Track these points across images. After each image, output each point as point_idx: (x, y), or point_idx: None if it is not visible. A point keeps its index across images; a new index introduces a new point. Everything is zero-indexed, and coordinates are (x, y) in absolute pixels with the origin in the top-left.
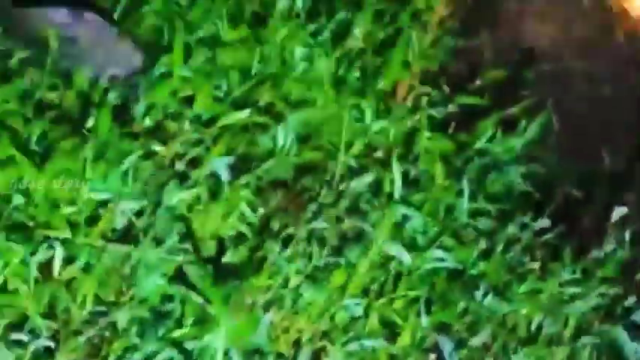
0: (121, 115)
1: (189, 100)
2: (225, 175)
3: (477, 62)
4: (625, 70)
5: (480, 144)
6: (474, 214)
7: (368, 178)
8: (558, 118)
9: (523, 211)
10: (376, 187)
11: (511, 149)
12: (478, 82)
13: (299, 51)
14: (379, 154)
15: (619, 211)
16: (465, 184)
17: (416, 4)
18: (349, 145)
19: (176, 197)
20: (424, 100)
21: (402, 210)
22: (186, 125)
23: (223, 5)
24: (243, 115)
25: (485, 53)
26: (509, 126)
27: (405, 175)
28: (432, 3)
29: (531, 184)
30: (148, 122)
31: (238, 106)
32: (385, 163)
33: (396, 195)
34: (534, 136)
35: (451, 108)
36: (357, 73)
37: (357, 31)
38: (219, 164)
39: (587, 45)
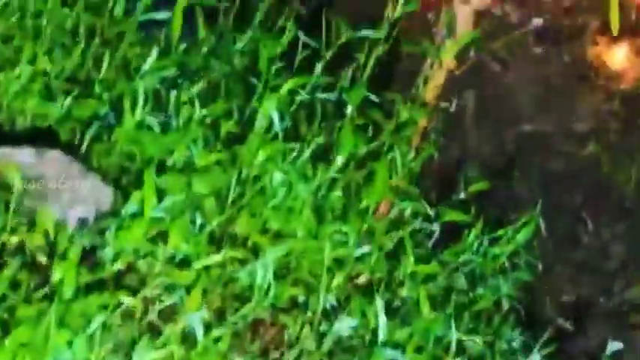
0: (90, 259)
1: (162, 235)
2: (200, 332)
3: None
4: (605, 126)
5: (465, 257)
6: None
7: (351, 322)
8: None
9: (512, 327)
10: (360, 320)
11: (497, 258)
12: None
13: (277, 176)
14: (363, 280)
15: (613, 346)
16: (452, 314)
17: (398, 117)
18: (331, 277)
19: (147, 357)
20: (407, 215)
21: (388, 353)
22: (159, 267)
23: (198, 127)
24: (220, 257)
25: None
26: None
27: (389, 303)
28: (415, 116)
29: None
30: (117, 266)
31: (215, 240)
32: (369, 293)
33: (381, 336)
34: (521, 244)
35: (435, 225)
36: (339, 192)
37: (339, 152)
38: (194, 319)
39: (570, 102)
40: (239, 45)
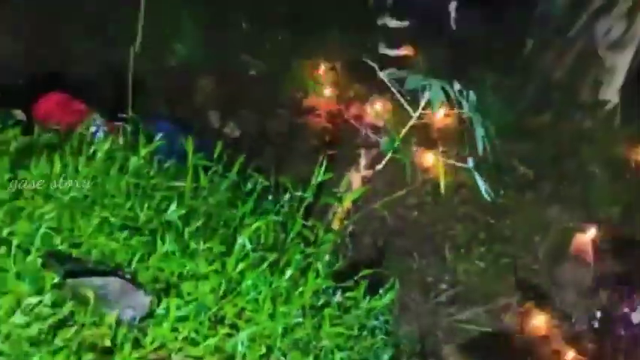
0: (137, 344)
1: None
2: None
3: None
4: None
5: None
6: None
7: None
8: None
9: None
10: None
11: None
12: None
13: (249, 281)
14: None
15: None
16: None
17: (318, 237)
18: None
19: None
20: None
21: None
22: (180, 345)
23: (203, 253)
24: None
25: None
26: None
27: None
28: (329, 237)
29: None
30: (155, 345)
31: (212, 322)
32: None
33: None
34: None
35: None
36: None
37: (288, 268)
38: None
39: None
40: (224, 185)
